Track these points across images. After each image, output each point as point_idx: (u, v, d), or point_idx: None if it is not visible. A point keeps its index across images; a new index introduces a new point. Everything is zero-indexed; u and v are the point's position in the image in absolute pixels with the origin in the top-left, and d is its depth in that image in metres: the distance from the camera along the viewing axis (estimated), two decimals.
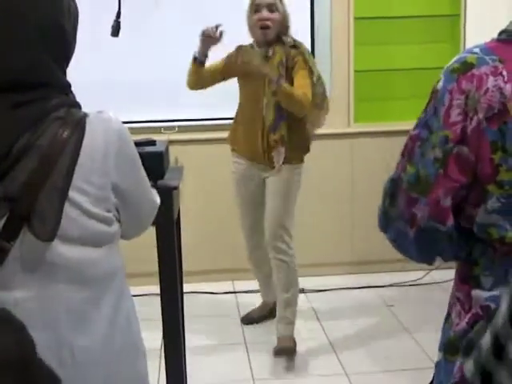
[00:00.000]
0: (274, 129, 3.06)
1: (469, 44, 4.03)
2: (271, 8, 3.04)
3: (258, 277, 3.51)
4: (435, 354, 1.33)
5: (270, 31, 3.05)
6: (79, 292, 1.26)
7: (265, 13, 3.03)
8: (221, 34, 3.02)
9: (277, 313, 3.21)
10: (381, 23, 4.07)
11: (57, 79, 1.28)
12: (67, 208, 1.21)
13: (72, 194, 1.21)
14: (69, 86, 1.31)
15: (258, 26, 3.05)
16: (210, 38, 3.03)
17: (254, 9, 3.07)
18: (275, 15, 3.05)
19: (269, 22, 3.03)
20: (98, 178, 1.24)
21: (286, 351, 3.10)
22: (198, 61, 3.10)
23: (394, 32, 4.09)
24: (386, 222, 1.27)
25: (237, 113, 3.26)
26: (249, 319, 3.54)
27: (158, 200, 1.51)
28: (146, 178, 1.42)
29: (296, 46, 3.10)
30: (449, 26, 4.13)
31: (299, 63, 3.04)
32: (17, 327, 0.98)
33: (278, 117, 3.04)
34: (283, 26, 3.09)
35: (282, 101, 3.00)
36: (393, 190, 1.24)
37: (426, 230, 1.19)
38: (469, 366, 0.89)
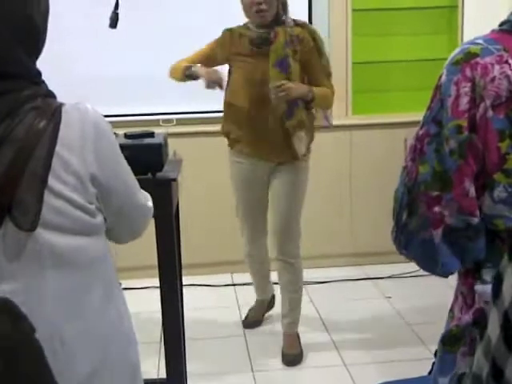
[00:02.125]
0: (290, 114, 2.84)
1: (467, 35, 4.03)
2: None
3: (256, 277, 3.40)
4: (433, 345, 1.34)
5: (267, 14, 2.83)
6: (66, 279, 1.25)
7: None
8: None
9: (283, 311, 3.17)
10: (379, 15, 4.07)
11: (28, 69, 1.27)
12: (48, 197, 1.20)
13: (51, 182, 1.21)
14: (39, 75, 1.30)
15: (252, 11, 2.83)
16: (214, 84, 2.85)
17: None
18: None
19: (263, 6, 2.80)
20: (76, 168, 1.23)
21: (295, 361, 3.06)
22: (188, 76, 2.93)
23: (392, 24, 4.09)
24: (406, 238, 1.21)
25: (228, 102, 2.98)
26: (251, 323, 3.44)
27: (149, 203, 1.47)
28: (133, 177, 1.39)
29: (299, 24, 2.93)
30: (447, 18, 4.13)
31: (313, 51, 2.89)
32: (16, 316, 0.97)
33: (291, 103, 2.82)
34: (281, 4, 2.87)
35: (316, 106, 2.93)
36: (409, 198, 1.20)
37: (455, 228, 1.15)
38: None
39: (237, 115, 2.96)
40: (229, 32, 2.99)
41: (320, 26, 4.05)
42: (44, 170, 1.20)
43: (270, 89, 2.76)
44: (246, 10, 2.87)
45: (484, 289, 1.17)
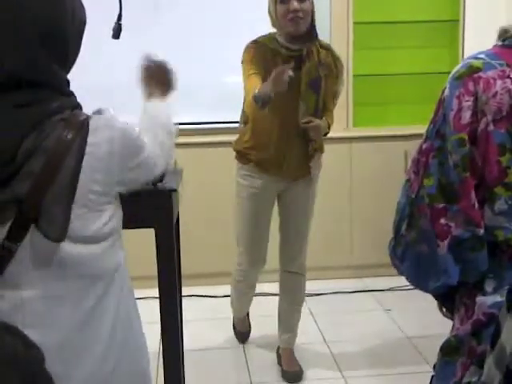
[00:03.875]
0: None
1: (468, 49, 4.04)
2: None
3: (242, 298, 3.27)
4: (433, 359, 1.33)
5: (303, 24, 2.66)
6: (85, 290, 1.28)
7: (295, 3, 2.62)
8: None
9: (284, 324, 3.13)
10: (380, 28, 4.09)
11: (57, 80, 1.29)
12: (74, 207, 1.23)
13: (79, 193, 1.23)
14: (68, 86, 1.32)
15: (287, 19, 2.64)
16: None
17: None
18: (306, 5, 2.66)
19: (300, 14, 2.63)
20: (103, 177, 1.27)
21: (297, 378, 3.02)
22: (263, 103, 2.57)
23: (393, 37, 4.11)
24: (402, 249, 1.22)
25: (254, 120, 2.82)
26: (245, 337, 3.42)
27: (161, 159, 1.49)
28: (151, 151, 1.42)
29: (324, 46, 2.86)
30: (448, 32, 4.15)
31: (332, 76, 2.85)
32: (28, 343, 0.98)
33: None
34: (313, 16, 2.73)
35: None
36: (410, 210, 1.21)
37: (461, 239, 1.16)
38: None
39: (263, 134, 2.82)
40: (259, 45, 2.78)
41: (321, 39, 4.08)
42: (72, 181, 1.22)
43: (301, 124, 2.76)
44: (280, 18, 2.67)
45: (484, 300, 1.18)
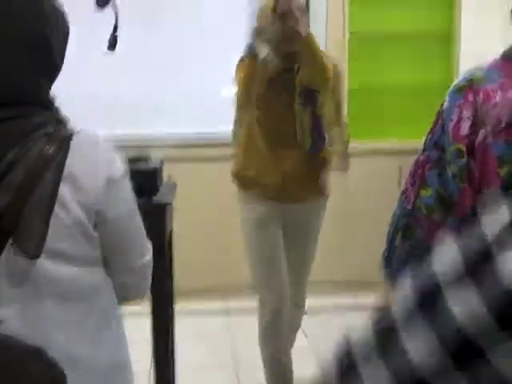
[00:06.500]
0: (314, 153, 2.64)
1: (463, 63, 4.06)
2: (300, 11, 2.46)
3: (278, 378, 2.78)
4: None
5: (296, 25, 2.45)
6: (65, 309, 1.25)
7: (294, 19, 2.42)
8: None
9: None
10: (375, 41, 4.09)
11: (42, 95, 1.27)
12: (53, 223, 1.20)
13: (57, 209, 1.21)
14: (53, 101, 1.30)
15: (286, 36, 2.45)
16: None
17: (279, 16, 2.43)
18: (304, 19, 2.52)
19: (296, 13, 2.43)
20: (84, 197, 1.23)
21: None
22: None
23: (388, 51, 4.12)
24: (396, 261, 1.22)
25: (247, 141, 2.65)
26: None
27: (150, 253, 1.44)
28: (140, 220, 1.36)
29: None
30: (443, 46, 4.16)
31: (339, 91, 2.74)
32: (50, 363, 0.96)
33: (317, 138, 2.62)
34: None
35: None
36: (406, 222, 1.20)
37: None
38: None
39: (259, 155, 2.63)
40: (249, 57, 2.56)
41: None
42: (51, 196, 1.20)
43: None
44: (276, 37, 2.48)
45: None
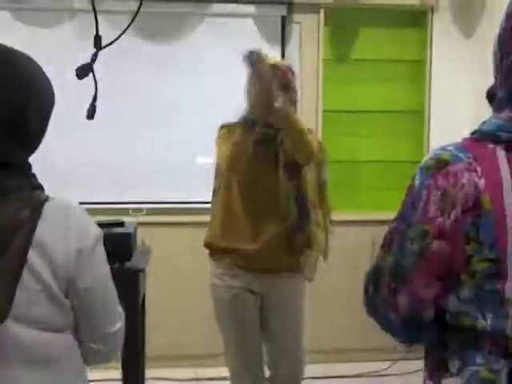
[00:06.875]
0: (298, 229, 2.54)
1: (432, 140, 4.20)
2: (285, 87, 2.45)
3: None
4: None
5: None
6: (34, 374, 1.22)
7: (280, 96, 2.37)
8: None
9: None
10: (347, 117, 4.24)
11: (16, 160, 1.26)
12: (20, 289, 1.19)
13: (26, 275, 1.19)
14: (29, 168, 1.30)
15: (258, 100, 2.39)
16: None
17: (256, 77, 2.39)
18: (289, 96, 2.47)
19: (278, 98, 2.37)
20: (53, 265, 1.22)
21: None
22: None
23: (359, 125, 4.27)
24: (373, 308, 1.28)
25: (223, 211, 2.55)
26: None
27: (122, 319, 1.43)
28: (113, 286, 1.35)
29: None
30: (413, 122, 4.32)
31: (324, 170, 2.65)
32: None
33: (301, 213, 2.54)
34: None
35: None
36: (375, 278, 1.26)
37: (409, 318, 1.22)
38: None
39: (237, 222, 2.53)
40: (227, 129, 2.54)
41: None
42: (18, 263, 1.18)
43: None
44: (256, 104, 2.43)
45: (451, 382, 1.18)
